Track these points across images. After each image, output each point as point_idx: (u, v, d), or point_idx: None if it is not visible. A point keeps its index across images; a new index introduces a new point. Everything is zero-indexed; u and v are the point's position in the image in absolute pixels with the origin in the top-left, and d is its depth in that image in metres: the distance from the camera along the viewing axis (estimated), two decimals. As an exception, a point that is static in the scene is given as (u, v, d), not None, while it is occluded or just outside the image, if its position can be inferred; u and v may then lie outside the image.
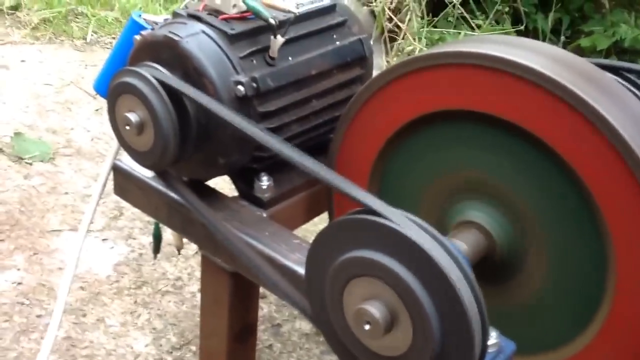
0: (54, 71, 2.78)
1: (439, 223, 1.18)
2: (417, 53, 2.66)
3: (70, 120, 2.53)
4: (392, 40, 2.85)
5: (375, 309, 0.90)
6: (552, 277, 1.12)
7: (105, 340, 1.65)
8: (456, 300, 0.86)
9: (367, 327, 0.92)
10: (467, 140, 1.15)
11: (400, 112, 1.18)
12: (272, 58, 1.19)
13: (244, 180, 1.29)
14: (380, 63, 2.55)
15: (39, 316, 1.70)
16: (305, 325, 1.74)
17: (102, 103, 2.61)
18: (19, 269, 1.83)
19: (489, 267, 1.14)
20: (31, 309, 1.72)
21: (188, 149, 1.17)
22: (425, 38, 2.89)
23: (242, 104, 1.16)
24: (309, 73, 1.24)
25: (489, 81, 1.07)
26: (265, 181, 1.28)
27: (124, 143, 1.19)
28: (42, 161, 2.27)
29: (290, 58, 1.22)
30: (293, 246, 1.20)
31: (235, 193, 1.32)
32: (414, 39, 2.82)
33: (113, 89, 1.15)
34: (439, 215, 1.20)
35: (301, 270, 1.16)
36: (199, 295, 1.80)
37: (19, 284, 1.79)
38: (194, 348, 1.65)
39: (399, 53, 2.83)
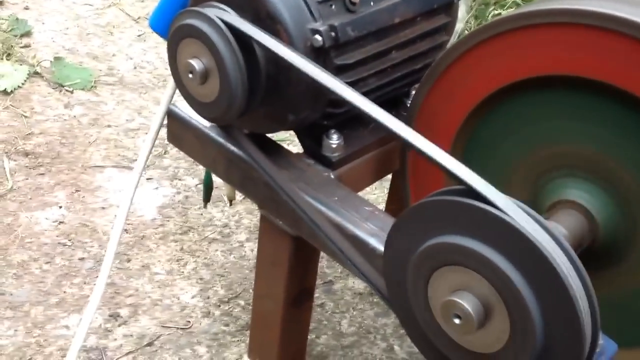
0: (95, -9, 2.64)
1: (531, 202, 1.06)
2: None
3: (111, 46, 2.40)
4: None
5: (467, 302, 0.80)
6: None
7: (150, 289, 1.58)
8: (567, 298, 0.75)
9: (457, 321, 0.82)
10: (570, 110, 1.01)
11: (495, 75, 1.03)
12: (354, 3, 1.04)
13: (312, 137, 1.17)
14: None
15: (81, 259, 1.62)
16: (359, 284, 1.64)
17: (145, 27, 2.48)
18: (60, 207, 1.75)
19: (589, 254, 1.02)
20: (73, 250, 1.64)
21: (255, 103, 1.04)
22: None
23: (318, 55, 1.02)
24: (392, 21, 1.10)
25: (601, 43, 0.93)
26: (335, 139, 1.15)
27: (184, 92, 1.07)
28: (83, 89, 2.16)
29: (372, 3, 1.08)
30: (365, 214, 1.08)
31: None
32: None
33: (175, 32, 1.02)
34: (531, 193, 1.07)
35: (374, 242, 1.05)
36: (247, 245, 1.72)
37: (61, 222, 1.71)
38: (242, 302, 1.57)
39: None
